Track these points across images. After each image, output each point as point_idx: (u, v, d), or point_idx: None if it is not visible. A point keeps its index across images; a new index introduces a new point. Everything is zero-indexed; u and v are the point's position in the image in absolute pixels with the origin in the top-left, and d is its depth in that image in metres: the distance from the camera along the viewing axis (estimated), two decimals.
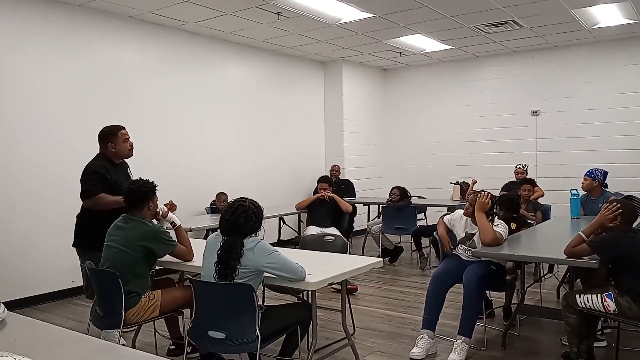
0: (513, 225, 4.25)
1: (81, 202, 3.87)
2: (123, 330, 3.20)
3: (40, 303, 5.25)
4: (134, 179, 3.44)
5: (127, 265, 3.13)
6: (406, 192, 7.05)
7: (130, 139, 3.94)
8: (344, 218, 6.60)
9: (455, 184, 7.45)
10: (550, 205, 6.23)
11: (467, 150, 9.04)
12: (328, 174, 8.17)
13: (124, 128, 3.94)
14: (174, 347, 3.75)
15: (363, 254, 6.80)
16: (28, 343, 1.83)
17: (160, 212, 3.46)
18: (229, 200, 3.78)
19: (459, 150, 9.13)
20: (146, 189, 3.29)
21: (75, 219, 3.92)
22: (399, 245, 7.16)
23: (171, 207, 3.67)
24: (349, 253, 4.08)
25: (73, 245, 3.88)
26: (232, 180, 7.24)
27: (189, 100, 6.89)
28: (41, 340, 1.89)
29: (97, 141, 3.91)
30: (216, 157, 7.23)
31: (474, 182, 7.05)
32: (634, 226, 3.36)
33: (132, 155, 3.97)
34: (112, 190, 3.70)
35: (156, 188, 3.37)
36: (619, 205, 3.20)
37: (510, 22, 6.61)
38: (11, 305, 4.72)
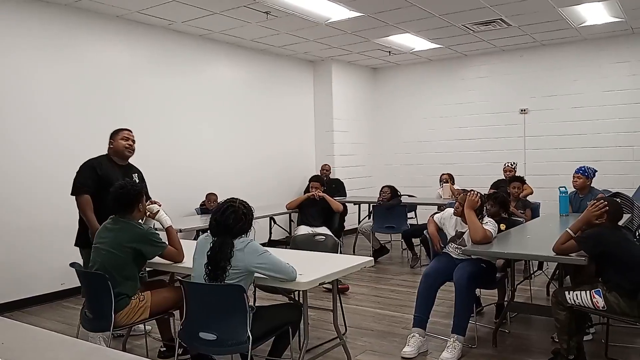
0: (502, 227, 4.27)
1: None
2: (113, 332, 3.18)
3: (29, 306, 5.20)
4: (119, 182, 3.40)
5: (116, 267, 3.11)
6: (396, 191, 7.08)
7: (130, 140, 4.09)
8: (334, 217, 6.60)
9: (445, 182, 7.49)
10: (539, 203, 6.28)
11: (456, 148, 9.09)
12: (318, 173, 8.18)
13: (130, 130, 4.13)
14: (164, 349, 3.73)
15: (354, 254, 6.81)
16: (17, 347, 1.82)
17: (148, 213, 3.43)
18: (218, 200, 3.76)
19: (448, 148, 9.17)
20: (136, 192, 3.26)
21: (79, 219, 4.00)
22: (384, 245, 7.18)
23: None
24: (340, 252, 4.09)
25: (75, 245, 3.98)
26: (222, 181, 7.22)
27: (178, 100, 6.85)
28: (30, 344, 1.87)
29: None
30: (206, 157, 7.21)
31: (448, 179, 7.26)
32: (620, 224, 3.40)
33: (127, 155, 4.09)
34: (101, 185, 3.79)
35: (142, 188, 3.35)
36: (605, 202, 3.24)
37: (499, 20, 6.64)
38: None
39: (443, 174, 7.63)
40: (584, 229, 3.26)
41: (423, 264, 6.39)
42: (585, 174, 5.29)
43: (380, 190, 7.10)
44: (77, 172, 3.96)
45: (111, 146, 4.06)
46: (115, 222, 3.24)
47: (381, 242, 7.22)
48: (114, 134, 4.09)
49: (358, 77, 9.67)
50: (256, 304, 3.38)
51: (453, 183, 7.50)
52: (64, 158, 5.50)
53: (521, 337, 4.05)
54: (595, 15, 6.59)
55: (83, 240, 3.88)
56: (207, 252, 2.79)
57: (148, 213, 3.42)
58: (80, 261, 3.78)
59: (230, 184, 7.19)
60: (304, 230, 6.12)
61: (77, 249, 3.99)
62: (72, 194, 3.89)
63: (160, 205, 3.53)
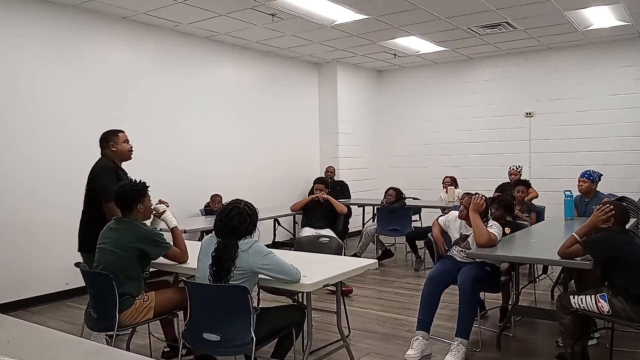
0: (507, 230, 4.26)
1: (81, 207, 3.95)
2: (117, 332, 3.18)
3: (34, 305, 5.22)
4: (121, 182, 3.40)
5: (121, 268, 3.11)
6: (401, 193, 7.07)
7: (130, 142, 4.02)
8: (338, 219, 6.60)
9: (449, 185, 7.47)
10: (544, 207, 6.26)
11: (461, 151, 9.07)
12: (323, 175, 8.18)
13: (123, 132, 4.03)
14: (168, 349, 3.73)
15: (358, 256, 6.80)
16: (21, 346, 1.82)
17: (154, 212, 3.43)
18: (223, 201, 3.76)
19: (453, 151, 9.15)
20: (134, 191, 3.24)
21: (79, 224, 3.94)
22: (388, 248, 7.16)
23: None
24: (344, 254, 4.08)
25: (79, 250, 3.89)
26: (227, 182, 7.22)
27: (184, 101, 6.87)
28: (35, 343, 1.88)
29: (99, 145, 3.99)
30: (211, 158, 7.22)
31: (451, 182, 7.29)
32: (626, 227, 3.38)
33: (130, 158, 4.05)
34: None
35: (147, 189, 3.33)
36: (611, 206, 3.22)
37: (504, 23, 6.63)
38: (4, 308, 4.71)
39: (446, 177, 7.62)
40: (590, 233, 3.24)
41: (427, 267, 6.36)
42: (591, 178, 5.28)
43: (386, 193, 7.09)
44: (102, 178, 3.80)
45: (114, 149, 3.94)
46: (119, 222, 3.25)
47: (386, 244, 7.19)
48: (113, 138, 3.96)
49: (363, 79, 9.67)
50: (260, 306, 3.38)
51: (456, 186, 7.48)
52: (68, 158, 5.53)
53: (525, 341, 4.04)
54: (601, 18, 6.57)
55: (87, 244, 3.74)
56: (212, 253, 2.80)
57: (154, 212, 3.42)
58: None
59: (234, 186, 7.20)
60: (308, 232, 6.11)
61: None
62: (106, 202, 3.67)
63: (168, 206, 3.52)
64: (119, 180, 3.73)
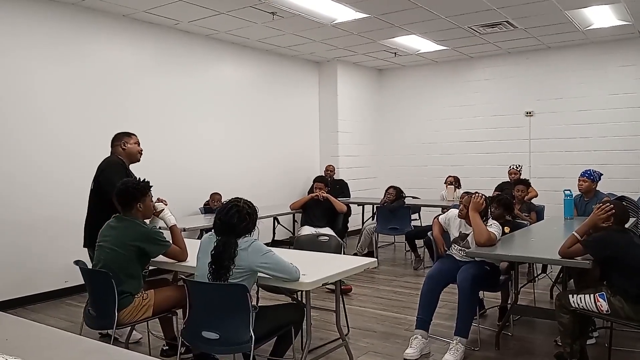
0: (507, 229, 4.26)
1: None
2: (109, 331, 3.18)
3: (33, 303, 5.22)
4: (123, 179, 3.41)
5: (120, 266, 3.11)
6: (401, 192, 7.07)
7: (140, 146, 4.13)
8: (338, 218, 6.61)
9: (450, 184, 7.47)
10: (544, 206, 6.26)
11: (461, 150, 9.06)
12: (322, 174, 8.18)
13: (136, 135, 4.16)
14: (167, 347, 3.73)
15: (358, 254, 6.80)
16: (20, 344, 1.82)
17: (153, 210, 3.42)
18: (223, 200, 3.75)
19: (453, 150, 9.15)
20: (136, 190, 3.24)
21: (85, 221, 3.99)
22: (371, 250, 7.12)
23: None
24: (343, 253, 4.08)
25: (84, 246, 3.93)
26: (226, 180, 7.22)
27: (184, 99, 6.86)
28: (33, 341, 1.88)
29: (110, 144, 4.08)
30: (210, 157, 7.21)
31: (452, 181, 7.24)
32: (626, 227, 3.38)
33: (139, 160, 4.13)
34: None
35: (149, 188, 3.32)
36: (611, 205, 3.22)
37: (505, 23, 6.63)
38: (3, 306, 4.71)
39: (449, 177, 7.60)
40: (590, 232, 3.24)
41: (426, 266, 6.37)
42: (591, 177, 5.28)
43: (386, 191, 7.09)
44: (110, 173, 3.84)
45: (124, 147, 4.04)
46: (119, 220, 3.25)
47: (384, 243, 7.18)
48: (125, 137, 4.07)
49: (363, 78, 9.66)
50: (259, 304, 3.38)
51: (459, 186, 7.47)
52: (68, 156, 5.53)
53: (524, 340, 4.04)
54: (601, 18, 6.56)
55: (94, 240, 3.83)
56: (211, 252, 2.80)
57: (153, 211, 3.41)
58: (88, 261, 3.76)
59: (234, 184, 7.19)
60: (307, 230, 6.12)
61: (82, 246, 3.98)
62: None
63: (166, 204, 3.52)
64: (127, 176, 3.79)
